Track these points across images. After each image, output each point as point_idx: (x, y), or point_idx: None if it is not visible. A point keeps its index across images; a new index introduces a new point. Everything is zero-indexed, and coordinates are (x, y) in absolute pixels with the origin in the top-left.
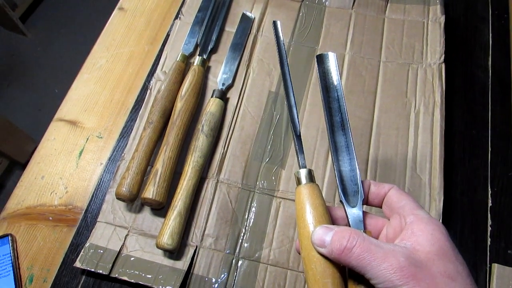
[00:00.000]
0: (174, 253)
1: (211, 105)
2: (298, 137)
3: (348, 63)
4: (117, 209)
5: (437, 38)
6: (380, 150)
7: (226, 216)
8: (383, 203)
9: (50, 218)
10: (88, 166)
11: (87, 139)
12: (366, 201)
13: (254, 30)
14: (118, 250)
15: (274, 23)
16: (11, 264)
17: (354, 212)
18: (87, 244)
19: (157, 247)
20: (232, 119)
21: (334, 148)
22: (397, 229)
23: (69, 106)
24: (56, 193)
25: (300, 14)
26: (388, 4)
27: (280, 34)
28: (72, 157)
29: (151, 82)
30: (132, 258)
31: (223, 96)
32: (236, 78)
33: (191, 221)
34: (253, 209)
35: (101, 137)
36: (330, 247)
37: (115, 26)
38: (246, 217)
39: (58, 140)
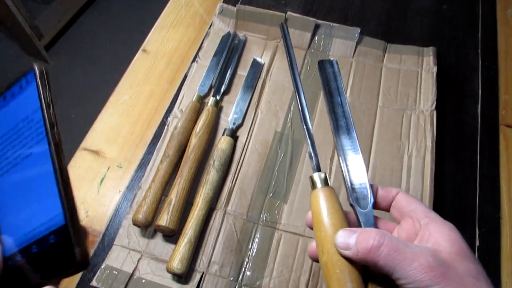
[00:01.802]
0: (183, 277)
1: (222, 142)
2: (311, 140)
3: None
4: (132, 234)
5: (429, 86)
6: None
7: (231, 245)
8: (391, 207)
9: None
10: (108, 193)
11: (108, 168)
12: (374, 205)
13: (263, 74)
14: (131, 272)
15: (282, 25)
16: (42, 126)
17: (366, 215)
18: (103, 265)
19: (167, 271)
20: (241, 155)
21: (342, 152)
22: (410, 231)
23: (94, 137)
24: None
25: (305, 61)
26: (386, 54)
27: (288, 37)
28: (94, 184)
29: (169, 118)
30: (143, 281)
31: (233, 134)
32: (246, 118)
33: (199, 248)
34: (256, 240)
35: (121, 167)
36: (356, 247)
37: (138, 66)
38: (249, 247)
39: (82, 168)
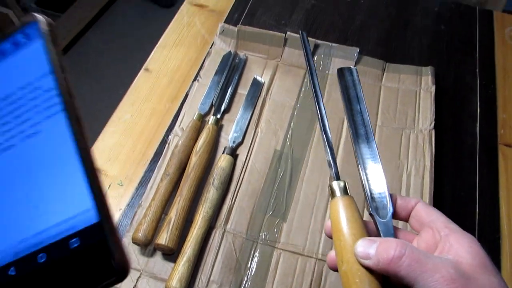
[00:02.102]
0: None
1: (222, 161)
2: (330, 148)
3: (347, 126)
4: (132, 252)
5: (428, 106)
6: None
7: (230, 264)
8: (410, 217)
9: None
10: None
11: (109, 186)
12: (393, 215)
13: (263, 93)
14: None
15: (302, 33)
16: (57, 95)
17: (385, 225)
18: None
19: None
20: (241, 174)
21: (361, 161)
22: (430, 242)
23: (95, 155)
24: None
25: (305, 80)
26: (385, 73)
27: (308, 45)
28: None
29: (170, 137)
30: None
31: (233, 153)
32: (246, 137)
33: (198, 267)
34: (256, 258)
35: (121, 185)
36: (376, 257)
37: (140, 84)
38: (248, 266)
39: None
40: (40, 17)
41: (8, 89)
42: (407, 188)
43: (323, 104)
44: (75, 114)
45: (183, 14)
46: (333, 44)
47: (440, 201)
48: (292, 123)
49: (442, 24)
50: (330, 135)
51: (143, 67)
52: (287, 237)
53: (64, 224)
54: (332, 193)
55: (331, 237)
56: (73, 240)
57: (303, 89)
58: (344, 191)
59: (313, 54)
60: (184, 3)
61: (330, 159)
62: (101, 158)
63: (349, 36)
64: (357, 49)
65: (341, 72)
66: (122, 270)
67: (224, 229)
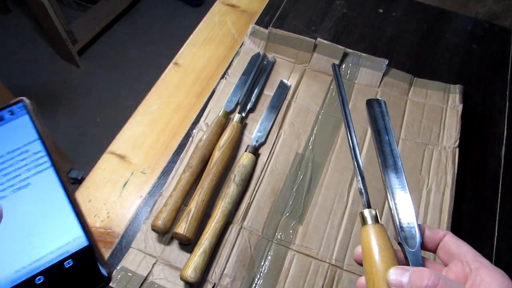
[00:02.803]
0: (194, 286)
1: (244, 158)
2: (362, 176)
3: (369, 136)
4: (149, 238)
5: (453, 124)
6: None
7: (244, 260)
8: (438, 248)
9: None
10: (130, 197)
11: (132, 173)
12: (421, 245)
13: (289, 96)
14: (145, 276)
15: (334, 65)
16: (43, 147)
17: (414, 255)
18: (119, 267)
19: (181, 278)
20: (261, 173)
21: (390, 191)
22: (459, 275)
23: (121, 142)
24: (99, 217)
25: (331, 87)
26: (412, 88)
27: (340, 77)
28: (117, 187)
29: (194, 131)
30: (156, 285)
31: (255, 151)
32: (269, 137)
33: (213, 260)
34: (269, 257)
35: (144, 173)
36: (409, 285)
37: (169, 78)
38: (262, 263)
39: (107, 170)
40: (25, 98)
41: None
42: (426, 204)
43: (355, 134)
44: (60, 167)
45: (214, 13)
46: (362, 54)
47: (458, 221)
48: (315, 128)
49: (474, 43)
50: (361, 164)
51: (173, 61)
52: (302, 240)
53: (58, 250)
54: (364, 221)
55: (361, 264)
56: (67, 261)
57: (328, 96)
58: (375, 219)
59: (342, 62)
60: (216, 2)
61: (362, 187)
62: (126, 145)
63: (379, 47)
64: (386, 61)
65: (369, 103)
66: (109, 276)
67: (241, 226)
